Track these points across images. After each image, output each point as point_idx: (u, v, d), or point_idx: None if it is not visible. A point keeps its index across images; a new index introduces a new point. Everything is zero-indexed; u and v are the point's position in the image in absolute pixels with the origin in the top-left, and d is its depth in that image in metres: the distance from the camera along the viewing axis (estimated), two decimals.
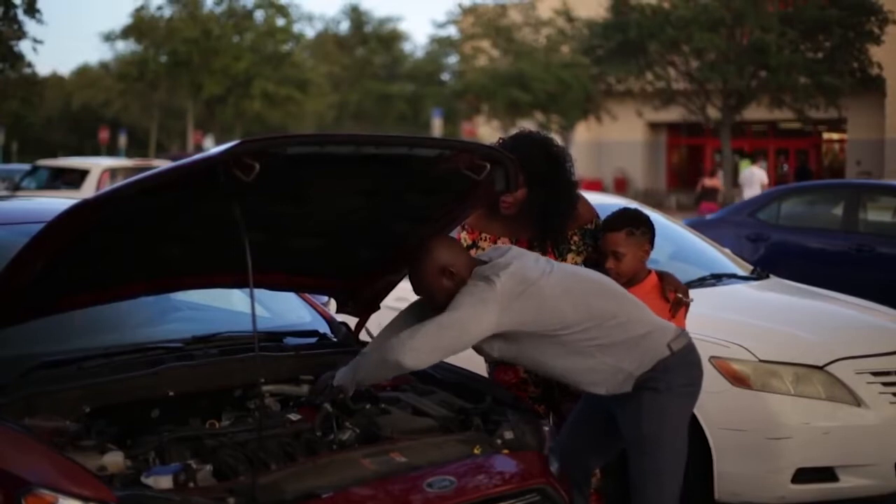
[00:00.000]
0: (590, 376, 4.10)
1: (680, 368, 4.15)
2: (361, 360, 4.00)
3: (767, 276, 7.47)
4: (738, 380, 5.59)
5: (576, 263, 4.69)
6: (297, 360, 4.33)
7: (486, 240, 4.82)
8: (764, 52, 30.57)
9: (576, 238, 4.79)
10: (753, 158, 29.44)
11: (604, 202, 5.93)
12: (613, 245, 4.65)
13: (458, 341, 3.92)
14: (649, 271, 4.74)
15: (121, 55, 51.96)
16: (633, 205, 5.76)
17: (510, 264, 4.01)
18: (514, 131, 4.95)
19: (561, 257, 4.73)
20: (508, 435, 3.90)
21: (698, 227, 11.37)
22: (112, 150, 52.56)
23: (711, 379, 5.56)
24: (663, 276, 4.78)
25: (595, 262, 4.70)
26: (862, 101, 35.62)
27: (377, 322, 5.24)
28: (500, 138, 4.86)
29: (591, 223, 4.83)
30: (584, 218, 4.83)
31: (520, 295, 3.96)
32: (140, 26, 45.90)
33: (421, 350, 3.86)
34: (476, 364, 4.77)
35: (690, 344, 4.23)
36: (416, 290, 4.15)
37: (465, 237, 4.85)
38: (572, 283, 4.12)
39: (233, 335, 4.37)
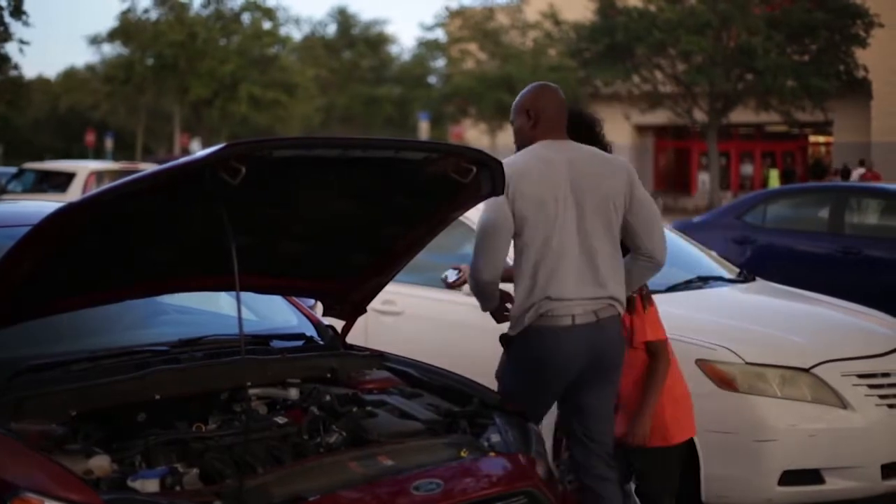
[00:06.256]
0: None
1: None
2: None
3: (754, 279, 7.49)
4: (724, 382, 5.60)
5: None
6: (283, 363, 4.33)
7: None
8: (750, 55, 30.69)
9: None
10: (861, 162, 29.42)
11: None
12: None
13: None
14: None
15: (107, 58, 51.88)
16: None
17: None
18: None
19: None
20: (495, 438, 3.90)
21: (685, 229, 11.39)
22: (99, 153, 52.50)
23: (698, 381, 5.58)
24: None
25: None
26: (848, 103, 35.77)
27: (363, 325, 5.24)
28: None
29: None
30: None
31: None
32: (126, 29, 45.78)
33: None
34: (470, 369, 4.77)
35: None
36: None
37: None
38: None
39: (219, 338, 4.36)
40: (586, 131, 4.92)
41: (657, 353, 4.66)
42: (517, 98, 4.70)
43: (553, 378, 4.43)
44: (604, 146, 4.91)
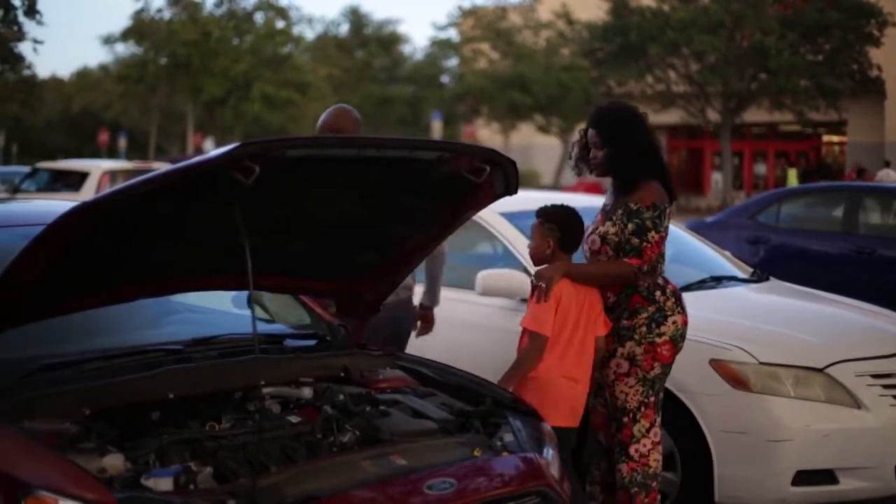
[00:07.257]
0: None
1: None
2: None
3: (767, 279, 7.47)
4: (738, 382, 5.59)
5: (607, 232, 5.02)
6: (296, 363, 4.33)
7: None
8: (764, 55, 30.63)
9: (619, 211, 5.03)
10: (887, 163, 29.30)
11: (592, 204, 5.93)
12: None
13: None
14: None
15: (121, 58, 51.99)
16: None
17: None
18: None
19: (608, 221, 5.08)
20: (508, 437, 3.90)
21: (698, 229, 11.37)
22: (112, 153, 52.61)
23: (711, 381, 5.57)
24: None
25: (618, 240, 4.98)
26: (862, 103, 35.68)
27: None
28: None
29: (634, 203, 4.99)
30: (636, 197, 5.02)
31: None
32: (140, 29, 45.93)
33: None
34: (480, 369, 4.77)
35: None
36: None
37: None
38: None
39: (232, 337, 4.36)
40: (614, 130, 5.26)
41: (529, 340, 4.86)
42: (319, 120, 5.82)
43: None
44: (646, 142, 5.30)
